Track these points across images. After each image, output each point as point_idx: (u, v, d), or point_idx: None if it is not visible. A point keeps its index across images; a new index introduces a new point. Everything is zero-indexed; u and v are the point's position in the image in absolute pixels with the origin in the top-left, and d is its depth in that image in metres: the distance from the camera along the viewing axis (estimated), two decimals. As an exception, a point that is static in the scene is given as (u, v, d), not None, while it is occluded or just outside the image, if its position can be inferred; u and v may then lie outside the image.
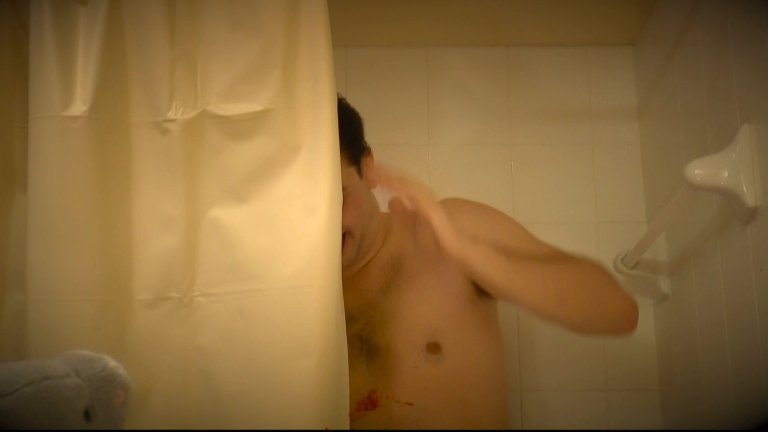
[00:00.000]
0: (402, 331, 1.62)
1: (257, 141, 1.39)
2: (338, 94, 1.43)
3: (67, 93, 1.38)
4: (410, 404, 1.57)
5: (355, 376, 1.54)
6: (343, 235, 1.52)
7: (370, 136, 2.10)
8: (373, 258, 1.72)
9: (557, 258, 1.56)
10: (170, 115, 1.41)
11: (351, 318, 1.54)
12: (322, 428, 1.25)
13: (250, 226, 1.38)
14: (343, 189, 1.43)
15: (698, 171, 1.50)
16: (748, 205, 1.47)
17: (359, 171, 1.67)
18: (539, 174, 2.11)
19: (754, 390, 1.44)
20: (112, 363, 1.00)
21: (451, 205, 1.61)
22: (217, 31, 1.42)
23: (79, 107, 1.38)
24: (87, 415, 0.95)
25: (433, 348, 1.61)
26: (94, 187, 1.38)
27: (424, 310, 1.64)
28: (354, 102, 2.13)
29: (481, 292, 1.62)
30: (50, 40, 1.40)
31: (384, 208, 1.61)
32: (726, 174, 1.48)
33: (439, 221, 1.44)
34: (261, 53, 1.40)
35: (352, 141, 1.66)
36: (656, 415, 1.93)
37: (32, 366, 0.94)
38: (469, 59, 2.17)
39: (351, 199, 1.59)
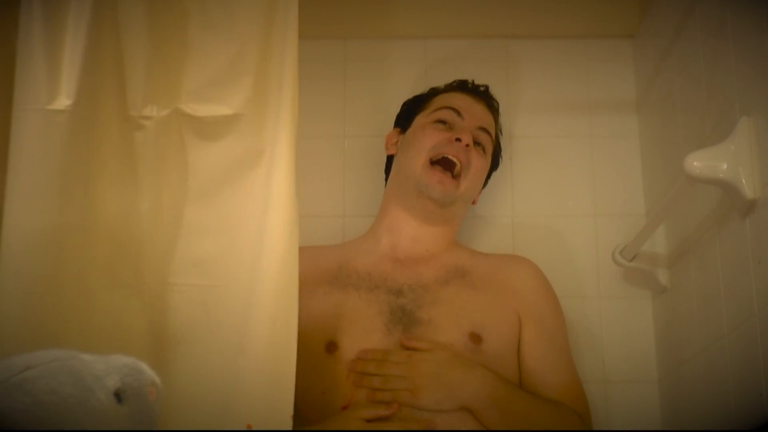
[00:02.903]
0: (451, 314, 1.72)
1: (225, 142, 1.44)
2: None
3: (52, 86, 1.40)
4: None
5: (389, 341, 1.67)
6: (456, 174, 1.81)
7: (369, 129, 2.11)
8: (438, 254, 1.84)
9: (545, 402, 1.72)
10: (146, 112, 1.44)
11: (399, 292, 1.74)
12: (245, 427, 1.27)
13: (213, 224, 1.43)
14: (484, 149, 1.87)
15: (697, 163, 1.50)
16: (747, 198, 1.47)
17: (493, 163, 1.95)
18: (538, 166, 2.11)
19: (753, 382, 1.44)
20: (140, 361, 1.02)
21: (532, 268, 1.85)
22: (190, 31, 1.46)
23: (63, 101, 1.40)
24: (118, 397, 0.96)
25: (475, 338, 1.70)
26: (74, 180, 1.40)
27: (477, 307, 1.75)
28: (352, 94, 2.14)
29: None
30: (38, 33, 1.41)
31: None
32: (725, 166, 1.48)
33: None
34: (235, 59, 1.45)
35: (495, 164, 1.97)
36: (655, 406, 1.93)
37: (60, 350, 0.96)
38: (468, 51, 2.17)
39: (482, 166, 1.87)
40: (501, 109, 2.01)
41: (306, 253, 1.84)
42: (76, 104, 1.39)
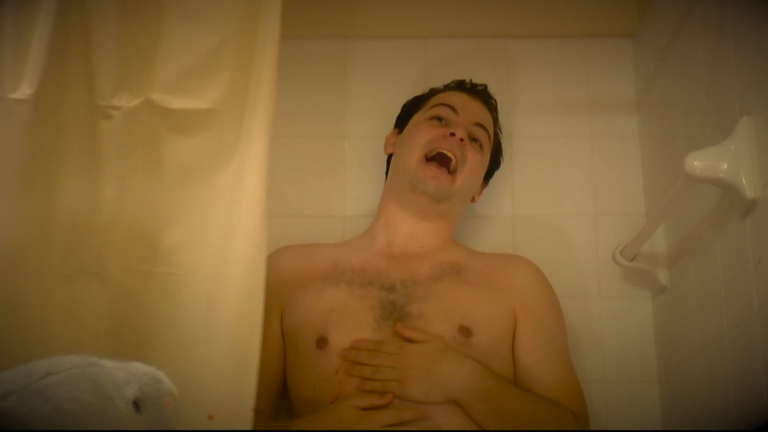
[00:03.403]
0: (441, 308, 1.71)
1: (197, 136, 1.44)
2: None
3: (16, 76, 1.39)
4: None
5: (379, 336, 1.67)
6: (453, 170, 1.81)
7: (369, 129, 2.11)
8: (434, 251, 1.84)
9: (538, 399, 1.70)
10: (115, 101, 1.43)
11: (392, 287, 1.74)
12: (206, 418, 1.28)
13: (179, 215, 1.44)
14: (481, 145, 1.86)
15: (697, 163, 1.50)
16: (747, 197, 1.47)
17: (495, 162, 1.95)
18: (538, 166, 2.11)
19: (753, 382, 1.44)
20: (159, 371, 1.02)
21: (531, 266, 1.84)
22: (166, 20, 1.44)
23: (24, 90, 1.38)
24: (137, 406, 0.96)
25: (465, 331, 1.69)
26: (35, 170, 1.39)
27: (468, 301, 1.74)
28: (352, 94, 2.14)
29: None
30: (8, 22, 1.40)
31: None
32: (725, 166, 1.48)
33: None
34: (214, 53, 1.44)
35: (495, 162, 1.97)
36: (655, 406, 1.93)
37: (80, 356, 0.96)
38: (468, 51, 2.17)
39: (479, 161, 1.86)
40: (501, 109, 2.01)
41: (302, 250, 1.86)
42: (38, 93, 1.38)
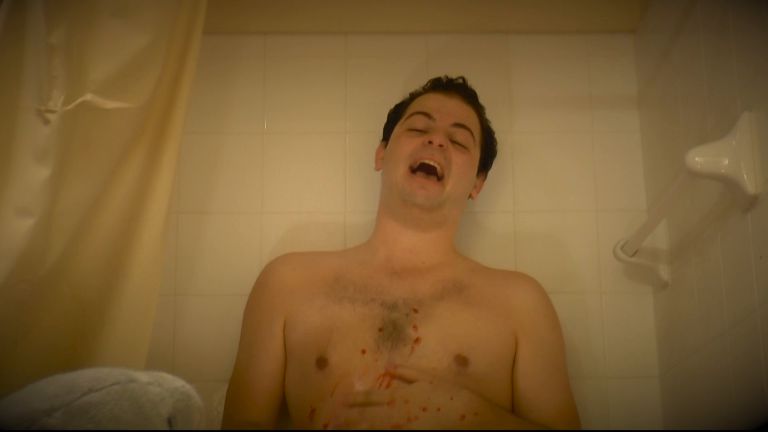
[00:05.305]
0: (439, 333, 1.68)
1: (127, 134, 1.46)
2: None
3: None
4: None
5: (378, 357, 1.64)
6: (440, 176, 1.79)
7: (370, 125, 2.10)
8: (436, 267, 1.82)
9: (537, 427, 1.68)
10: (51, 105, 1.39)
11: (393, 305, 1.72)
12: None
13: (93, 215, 1.47)
14: (466, 150, 1.83)
15: (698, 158, 1.50)
16: (748, 193, 1.47)
17: (487, 155, 1.93)
18: (539, 162, 2.11)
19: (754, 377, 1.45)
20: (188, 385, 1.03)
21: (533, 285, 1.82)
22: (94, 17, 1.42)
23: None
24: (170, 423, 0.96)
25: (461, 361, 1.66)
26: None
27: (469, 326, 1.71)
28: (353, 90, 2.14)
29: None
30: None
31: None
32: (726, 161, 1.48)
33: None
34: (148, 49, 1.43)
35: (489, 153, 1.95)
36: (656, 402, 1.93)
37: (117, 370, 0.97)
38: (469, 46, 2.17)
39: (465, 162, 1.84)
40: (501, 105, 2.01)
41: (304, 259, 1.84)
42: None
